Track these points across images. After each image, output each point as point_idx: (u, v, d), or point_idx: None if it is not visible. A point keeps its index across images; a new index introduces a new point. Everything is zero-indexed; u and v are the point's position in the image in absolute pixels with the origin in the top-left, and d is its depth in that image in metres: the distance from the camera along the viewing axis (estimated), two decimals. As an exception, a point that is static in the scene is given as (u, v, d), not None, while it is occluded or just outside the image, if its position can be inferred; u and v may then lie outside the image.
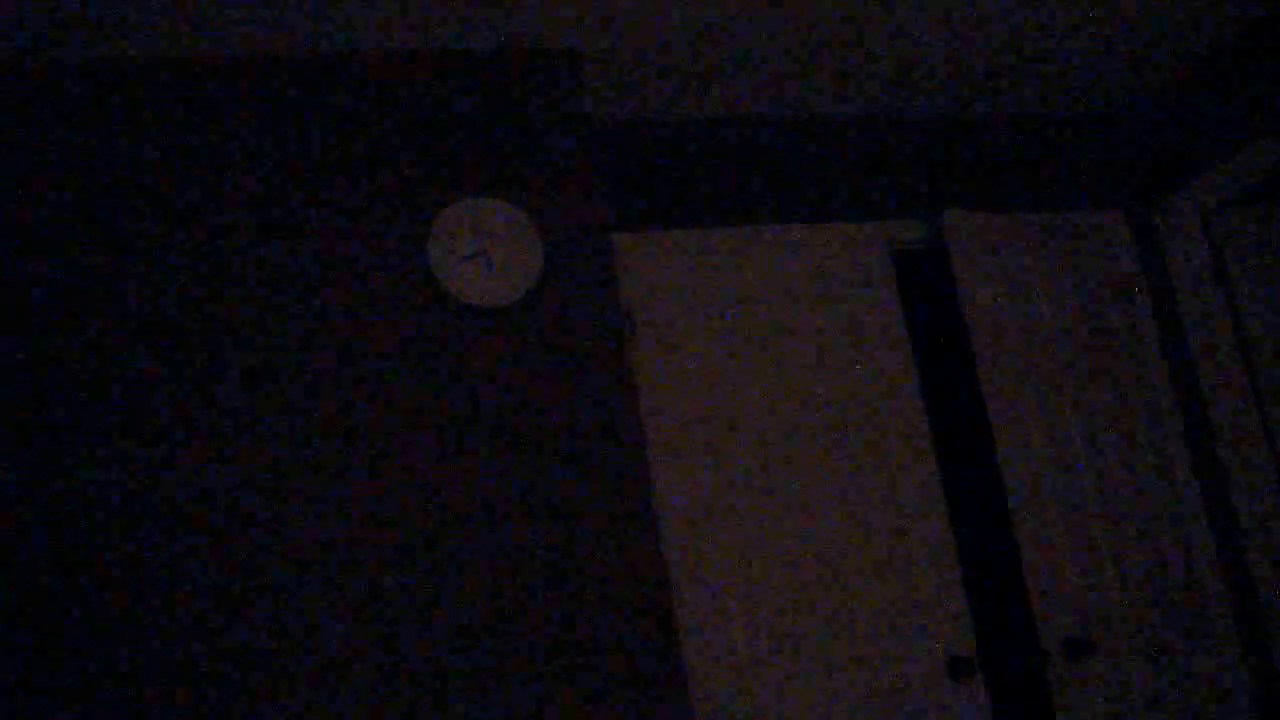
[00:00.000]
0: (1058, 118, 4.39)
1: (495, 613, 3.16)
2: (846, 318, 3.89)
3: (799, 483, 3.71)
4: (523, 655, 3.15)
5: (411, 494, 3.16)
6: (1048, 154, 4.34)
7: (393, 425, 3.18)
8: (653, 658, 3.34)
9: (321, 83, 3.35)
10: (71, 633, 2.90)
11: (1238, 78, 3.95)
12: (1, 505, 2.91)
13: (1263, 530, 4.04)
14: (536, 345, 3.36)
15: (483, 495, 3.21)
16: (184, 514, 3.02)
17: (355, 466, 3.14)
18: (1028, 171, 4.30)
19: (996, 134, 4.29)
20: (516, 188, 3.43)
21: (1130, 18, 3.75)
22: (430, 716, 3.06)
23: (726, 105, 3.92)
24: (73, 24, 3.05)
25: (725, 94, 3.85)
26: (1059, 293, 4.08)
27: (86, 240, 3.12)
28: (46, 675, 2.87)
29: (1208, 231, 4.23)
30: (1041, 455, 3.87)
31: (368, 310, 3.24)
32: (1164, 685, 3.86)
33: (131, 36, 3.14)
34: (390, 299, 3.26)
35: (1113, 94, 4.29)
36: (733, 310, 3.77)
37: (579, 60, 3.52)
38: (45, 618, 2.89)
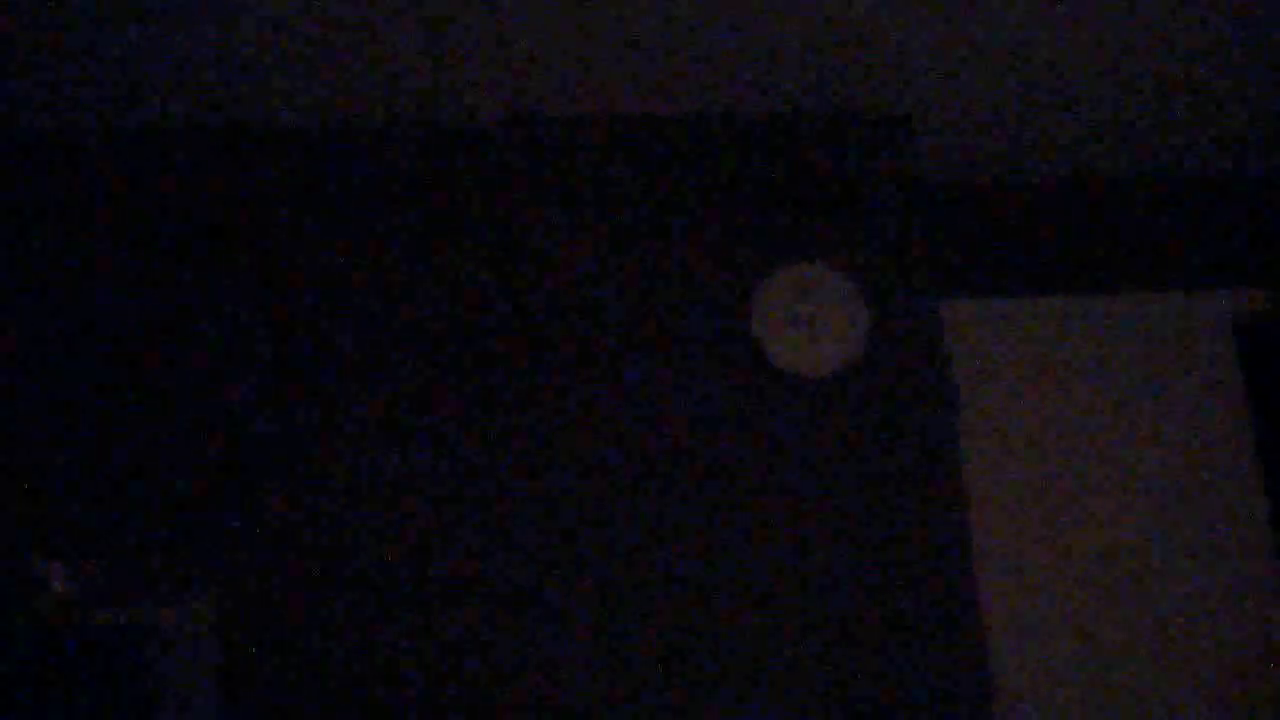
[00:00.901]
0: None
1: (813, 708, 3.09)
2: (1183, 393, 3.67)
3: (1124, 565, 3.52)
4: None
5: (727, 566, 3.11)
6: None
7: (711, 494, 3.14)
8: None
9: (647, 142, 3.35)
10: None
11: None
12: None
13: None
14: (861, 416, 3.28)
15: (798, 573, 3.15)
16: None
17: (670, 537, 3.11)
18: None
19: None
20: (843, 253, 3.34)
21: None
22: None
23: (1055, 168, 3.75)
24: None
25: (1051, 157, 3.68)
26: None
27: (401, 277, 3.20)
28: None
29: None
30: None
31: (687, 376, 3.21)
32: None
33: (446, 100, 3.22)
34: (711, 366, 3.23)
35: None
36: (1060, 384, 3.60)
37: (907, 124, 3.40)
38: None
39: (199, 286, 3.16)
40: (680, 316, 3.27)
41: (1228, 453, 3.67)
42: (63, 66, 2.92)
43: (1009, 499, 3.53)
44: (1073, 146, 3.65)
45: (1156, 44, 3.16)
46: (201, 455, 3.06)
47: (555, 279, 3.25)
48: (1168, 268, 3.81)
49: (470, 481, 3.10)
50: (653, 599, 3.09)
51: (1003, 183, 3.82)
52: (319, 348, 3.17)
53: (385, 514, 3.07)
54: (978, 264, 3.74)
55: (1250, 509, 3.63)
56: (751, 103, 3.33)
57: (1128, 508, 3.57)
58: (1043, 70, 3.24)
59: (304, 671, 2.96)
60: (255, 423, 3.08)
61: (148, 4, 2.72)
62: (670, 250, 3.30)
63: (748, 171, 3.37)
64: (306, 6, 2.78)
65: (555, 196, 3.31)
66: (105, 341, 3.11)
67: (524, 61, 3.07)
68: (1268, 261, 3.87)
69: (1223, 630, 3.54)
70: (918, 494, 3.32)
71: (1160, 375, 3.68)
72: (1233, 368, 3.74)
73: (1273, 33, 3.16)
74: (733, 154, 3.37)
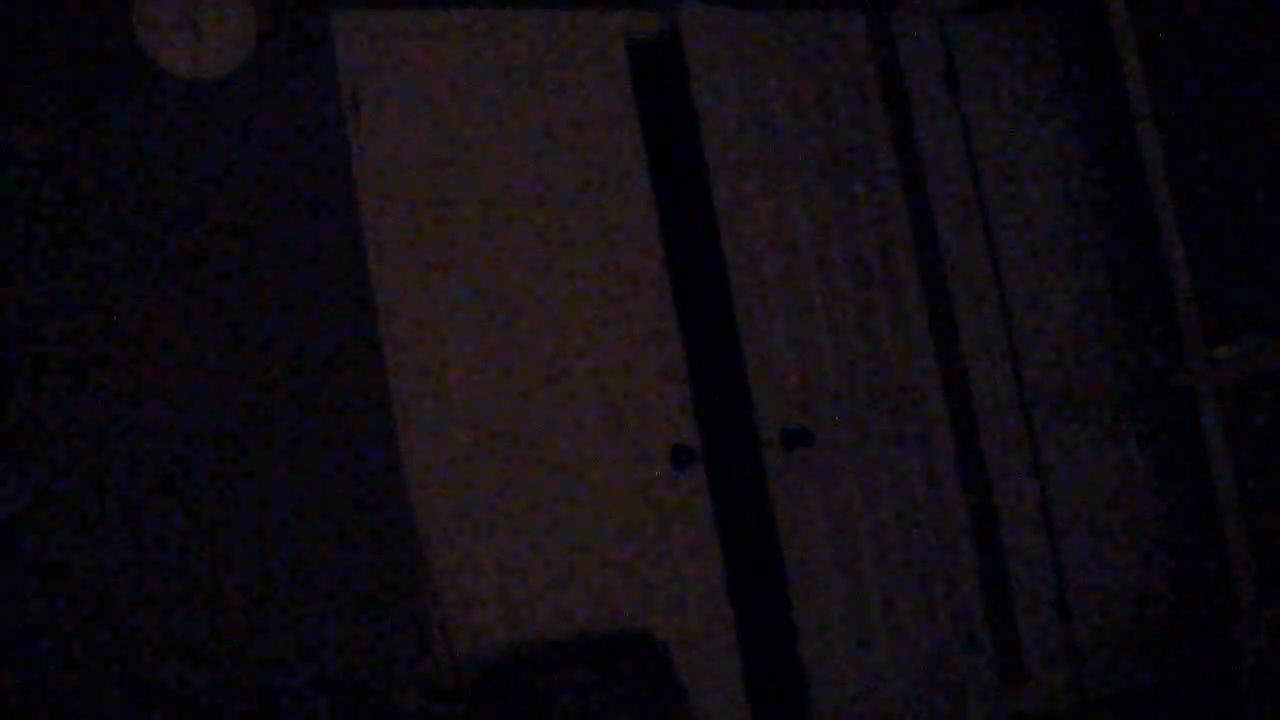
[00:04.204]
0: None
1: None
2: (578, 110, 3.81)
3: (524, 273, 3.66)
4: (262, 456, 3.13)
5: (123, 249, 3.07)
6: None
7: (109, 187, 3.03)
8: (370, 453, 3.33)
9: None
10: None
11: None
12: None
13: (979, 330, 4.24)
14: (248, 119, 3.26)
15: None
16: None
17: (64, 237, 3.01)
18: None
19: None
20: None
21: None
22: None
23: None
24: None
25: None
26: (794, 92, 4.08)
27: None
28: None
29: (943, 37, 4.30)
30: (767, 253, 3.92)
31: (65, 78, 3.06)
32: (880, 480, 4.04)
33: None
34: (88, 67, 3.07)
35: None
36: (460, 98, 3.64)
37: None
38: None
39: None
40: (52, 19, 3.05)
41: (620, 171, 3.87)
42: None
43: (405, 213, 3.53)
44: None
45: None
46: None
47: None
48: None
49: None
50: None
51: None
52: None
53: None
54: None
55: (640, 215, 3.87)
56: None
57: (526, 219, 3.70)
58: None
59: None
60: None
61: None
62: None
63: None
64: None
65: None
66: None
67: None
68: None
69: (616, 315, 3.78)
70: (310, 202, 3.35)
71: (555, 92, 3.80)
72: (625, 82, 3.92)
73: None
74: None
